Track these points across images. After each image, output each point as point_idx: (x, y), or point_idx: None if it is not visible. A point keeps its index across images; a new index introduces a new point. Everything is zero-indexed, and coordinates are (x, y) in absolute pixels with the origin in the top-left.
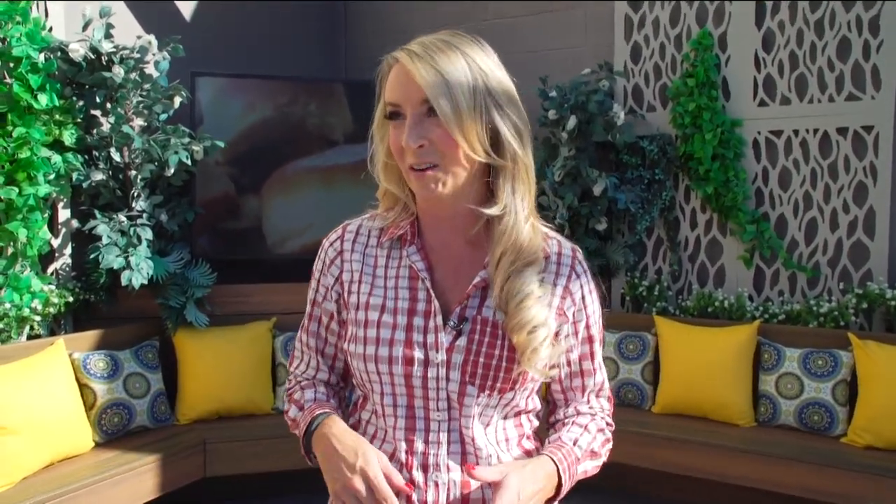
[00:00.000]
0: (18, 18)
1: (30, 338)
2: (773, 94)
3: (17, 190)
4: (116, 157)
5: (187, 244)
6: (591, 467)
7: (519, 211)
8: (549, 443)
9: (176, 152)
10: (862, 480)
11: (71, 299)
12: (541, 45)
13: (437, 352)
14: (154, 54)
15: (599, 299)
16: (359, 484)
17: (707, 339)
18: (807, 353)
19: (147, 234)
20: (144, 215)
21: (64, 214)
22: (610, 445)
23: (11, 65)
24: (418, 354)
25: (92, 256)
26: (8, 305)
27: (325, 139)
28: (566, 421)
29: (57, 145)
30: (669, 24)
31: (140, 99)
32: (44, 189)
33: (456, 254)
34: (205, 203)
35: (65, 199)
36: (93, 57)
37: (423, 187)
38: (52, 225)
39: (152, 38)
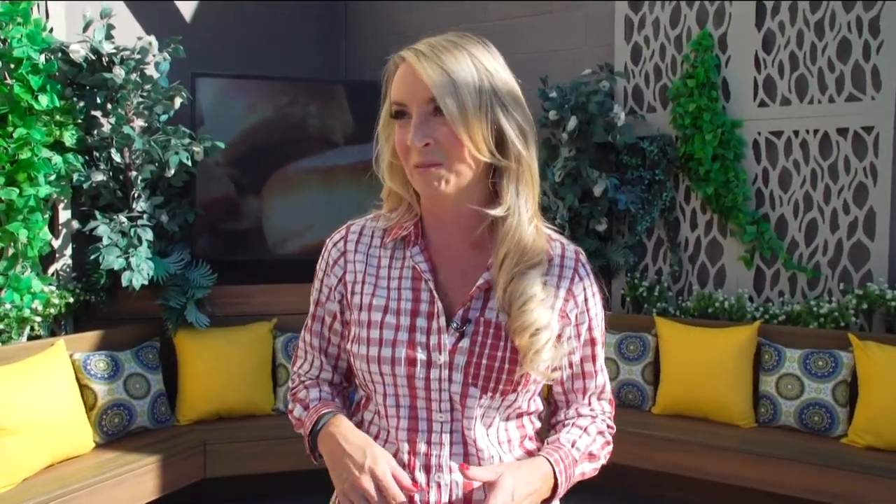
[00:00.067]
0: (19, 19)
1: (30, 338)
2: (774, 94)
3: (17, 191)
4: (117, 157)
5: (188, 245)
6: (589, 469)
7: (523, 212)
8: (547, 444)
9: (176, 153)
10: (862, 481)
11: (71, 300)
12: (541, 45)
13: (440, 353)
14: (154, 55)
15: (602, 302)
16: (367, 483)
17: (707, 339)
18: (807, 354)
19: (147, 234)
20: (145, 216)
21: (64, 215)
22: (610, 448)
23: (12, 66)
24: (421, 356)
25: (92, 257)
26: (8, 306)
27: (325, 140)
28: (566, 422)
29: (57, 146)
30: (670, 25)
31: (140, 100)
32: (44, 190)
33: (459, 255)
34: (205, 204)
35: (65, 200)
36: (93, 58)
37: (427, 184)
38: (53, 226)
39: (153, 39)
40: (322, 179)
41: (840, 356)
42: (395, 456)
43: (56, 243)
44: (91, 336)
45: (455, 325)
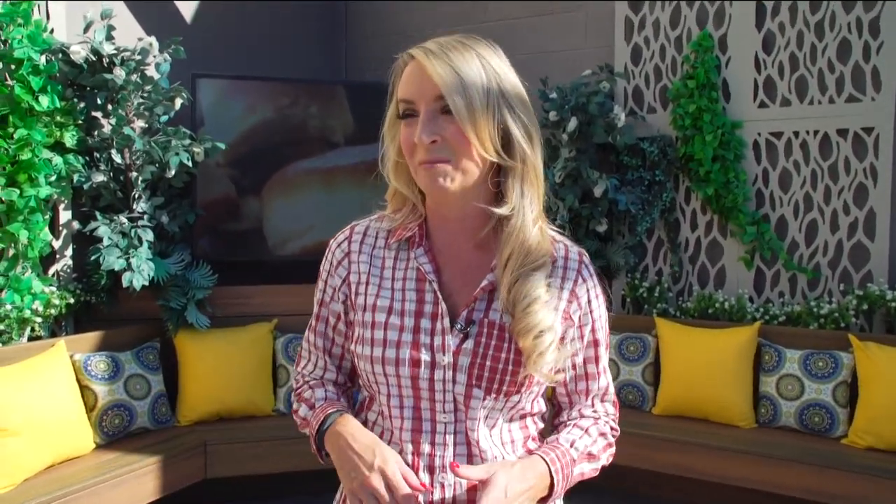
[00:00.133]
0: (20, 20)
1: (31, 339)
2: (774, 95)
3: (18, 191)
4: (117, 158)
5: (188, 246)
6: (588, 469)
7: (527, 213)
8: (545, 443)
9: (177, 154)
10: (862, 482)
11: (72, 301)
12: (541, 46)
13: (444, 354)
14: (155, 56)
15: (606, 304)
16: (377, 482)
17: (707, 340)
18: (807, 355)
19: (148, 235)
20: (145, 217)
21: (65, 216)
22: (612, 451)
23: (13, 67)
24: (425, 356)
25: (93, 258)
26: (9, 307)
27: (325, 141)
28: (568, 423)
29: (58, 147)
30: (670, 26)
31: (141, 100)
32: (45, 191)
33: (464, 256)
34: (206, 204)
35: (66, 201)
36: (94, 59)
37: (432, 181)
38: (54, 226)
39: (153, 39)
40: (322, 180)
41: (840, 357)
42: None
43: (56, 244)
44: (91, 337)
45: (459, 326)
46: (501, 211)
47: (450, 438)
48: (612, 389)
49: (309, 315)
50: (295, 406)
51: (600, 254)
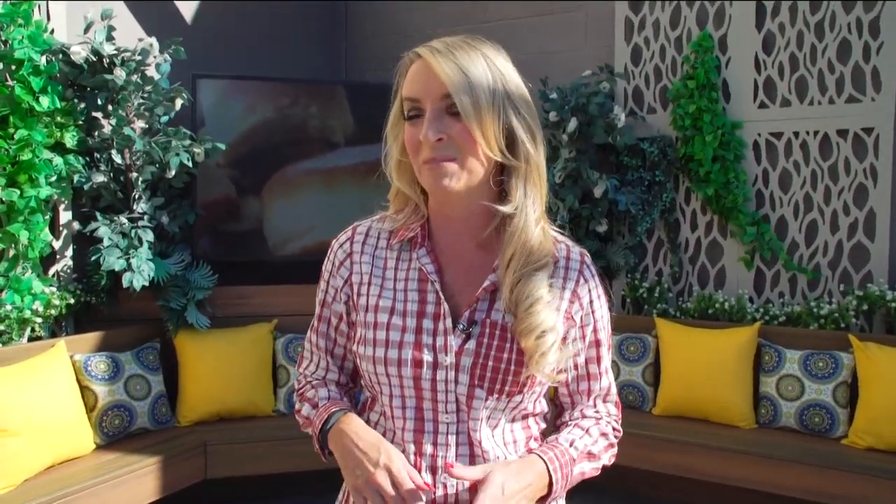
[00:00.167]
0: (20, 21)
1: (31, 339)
2: (774, 95)
3: (18, 192)
4: (118, 159)
5: (188, 246)
6: (588, 469)
7: (530, 212)
8: (545, 443)
9: (177, 154)
10: (863, 482)
11: (72, 301)
12: (541, 46)
13: (446, 355)
14: (155, 56)
15: (608, 304)
16: (382, 479)
17: (707, 340)
18: (807, 355)
19: (148, 235)
20: (145, 217)
21: (65, 216)
22: (614, 451)
23: (13, 67)
24: (427, 357)
25: (93, 258)
26: (9, 307)
27: (325, 141)
28: (570, 423)
29: (58, 147)
30: (670, 26)
31: (141, 101)
32: (45, 191)
33: (466, 257)
34: (206, 205)
35: (66, 201)
36: (94, 59)
37: (436, 180)
38: (54, 227)
39: (153, 40)
40: (322, 181)
41: (840, 357)
42: None
43: (57, 244)
44: (92, 337)
45: (461, 326)
46: (505, 209)
47: (452, 439)
48: (614, 390)
49: (309, 315)
50: (297, 406)
51: (600, 254)
